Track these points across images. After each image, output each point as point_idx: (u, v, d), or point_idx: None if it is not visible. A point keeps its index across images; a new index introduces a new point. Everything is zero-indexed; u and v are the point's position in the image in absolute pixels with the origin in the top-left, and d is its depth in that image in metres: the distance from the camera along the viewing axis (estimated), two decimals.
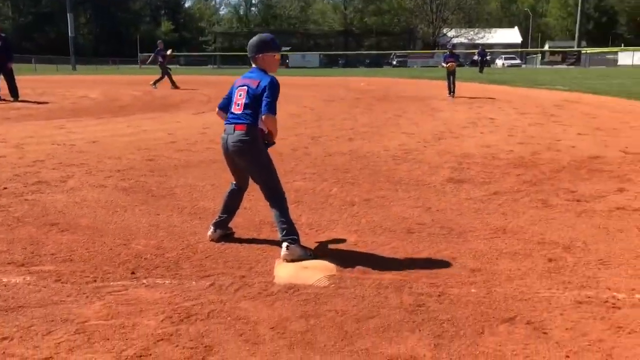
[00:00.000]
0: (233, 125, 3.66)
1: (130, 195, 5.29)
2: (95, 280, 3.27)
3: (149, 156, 7.34)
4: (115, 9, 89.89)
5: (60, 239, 4.01)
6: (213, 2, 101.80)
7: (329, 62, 72.86)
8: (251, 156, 3.68)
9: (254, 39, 3.84)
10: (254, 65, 3.80)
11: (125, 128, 10.36)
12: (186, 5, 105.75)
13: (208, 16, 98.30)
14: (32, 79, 28.11)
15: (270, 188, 3.74)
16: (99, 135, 9.26)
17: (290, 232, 3.65)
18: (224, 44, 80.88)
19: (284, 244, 3.64)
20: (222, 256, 3.71)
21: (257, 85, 3.63)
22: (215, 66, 66.43)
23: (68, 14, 41.50)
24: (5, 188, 5.52)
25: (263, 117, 3.58)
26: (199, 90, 21.38)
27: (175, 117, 12.51)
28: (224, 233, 4.05)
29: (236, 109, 3.69)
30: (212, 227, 4.04)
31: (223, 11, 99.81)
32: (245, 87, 3.68)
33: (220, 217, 4.03)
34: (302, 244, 3.67)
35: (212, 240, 3.98)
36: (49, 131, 9.87)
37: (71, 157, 7.23)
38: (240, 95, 3.70)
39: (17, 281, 3.25)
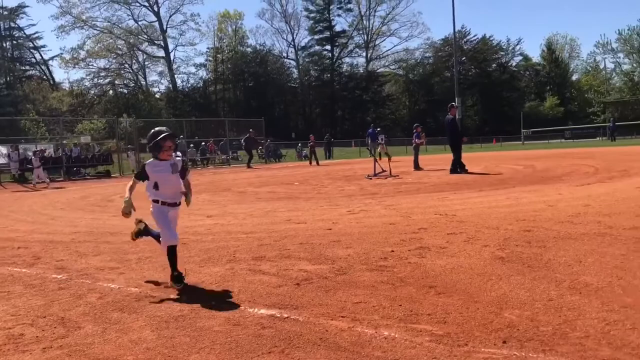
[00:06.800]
0: None
1: (506, 265, 5.20)
2: (466, 344, 3.30)
3: (527, 227, 7.03)
4: (501, 90, 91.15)
5: (436, 301, 4.18)
6: (603, 72, 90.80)
7: None
8: None
9: None
10: None
11: (504, 200, 10.08)
12: (573, 78, 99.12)
13: (596, 86, 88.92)
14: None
15: None
16: (478, 206, 9.33)
17: None
18: (614, 114, 69.37)
19: None
20: (605, 337, 3.32)
21: None
22: (605, 138, 58.86)
23: (456, 99, 41.21)
24: (392, 251, 5.97)
25: None
26: (583, 162, 19.88)
27: (557, 189, 11.40)
28: None
29: None
30: None
31: (614, 80, 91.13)
32: None
33: None
34: None
35: None
36: (433, 202, 10.35)
37: (451, 226, 7.40)
38: None
39: (396, 336, 3.46)
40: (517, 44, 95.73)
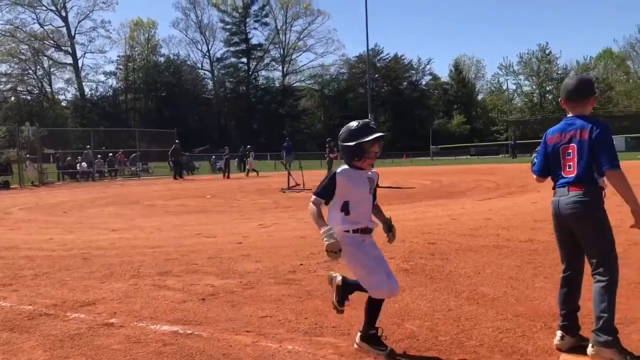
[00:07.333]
0: (567, 187, 3.18)
1: (409, 276, 5.38)
2: (368, 356, 3.35)
3: (431, 240, 7.39)
4: (412, 107, 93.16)
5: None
6: (506, 93, 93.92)
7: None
8: (592, 221, 3.13)
9: (575, 80, 3.36)
10: (569, 115, 3.28)
11: (411, 213, 10.52)
12: (479, 97, 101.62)
13: (500, 106, 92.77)
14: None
15: (605, 261, 3.11)
16: None
17: (607, 326, 3.02)
18: (515, 133, 72.22)
19: (593, 338, 3.08)
20: (498, 345, 3.49)
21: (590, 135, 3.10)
22: (507, 155, 60.13)
23: (369, 114, 39.55)
24: (301, 264, 6.09)
25: (606, 172, 3.06)
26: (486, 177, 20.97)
27: (461, 203, 12.20)
28: (577, 342, 3.27)
29: (568, 172, 3.19)
30: (559, 334, 3.37)
31: (516, 100, 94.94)
32: (574, 145, 3.17)
33: (563, 319, 3.36)
34: (622, 345, 3.08)
35: (558, 349, 3.32)
36: None
37: None
38: (569, 155, 3.20)
39: (300, 350, 3.51)
40: (427, 64, 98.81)
